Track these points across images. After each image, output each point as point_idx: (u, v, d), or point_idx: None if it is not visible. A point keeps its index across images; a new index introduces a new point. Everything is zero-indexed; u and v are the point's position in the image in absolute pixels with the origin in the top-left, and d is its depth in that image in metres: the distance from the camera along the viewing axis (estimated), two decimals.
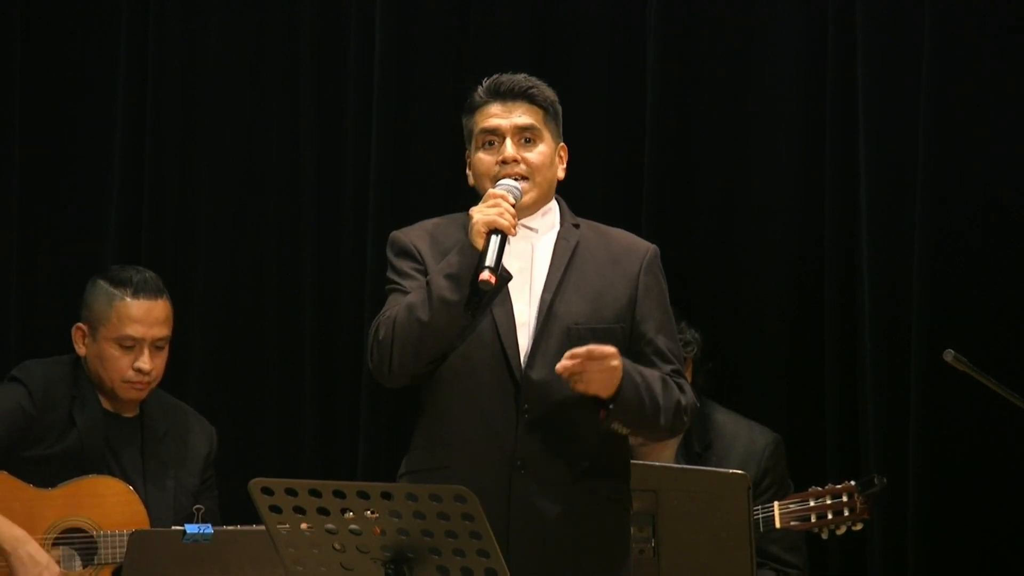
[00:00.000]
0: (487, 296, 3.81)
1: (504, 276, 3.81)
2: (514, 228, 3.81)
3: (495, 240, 3.78)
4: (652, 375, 3.88)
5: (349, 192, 5.98)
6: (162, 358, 4.91)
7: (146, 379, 4.87)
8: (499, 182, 3.90)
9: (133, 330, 4.85)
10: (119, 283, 4.90)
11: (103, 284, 4.92)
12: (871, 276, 5.45)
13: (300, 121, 6.04)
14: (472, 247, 3.80)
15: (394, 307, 3.89)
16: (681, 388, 3.93)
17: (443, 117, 5.90)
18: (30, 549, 4.67)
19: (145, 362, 4.85)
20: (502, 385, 3.86)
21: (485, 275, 3.75)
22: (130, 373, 4.85)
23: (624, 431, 3.89)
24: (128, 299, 4.87)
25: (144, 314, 4.86)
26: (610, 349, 3.78)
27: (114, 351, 4.85)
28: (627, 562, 3.97)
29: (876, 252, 5.45)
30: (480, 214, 3.81)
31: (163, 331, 4.90)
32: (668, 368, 3.95)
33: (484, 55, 5.87)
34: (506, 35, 5.89)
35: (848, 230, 5.53)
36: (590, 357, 3.76)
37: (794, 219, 5.67)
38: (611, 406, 3.81)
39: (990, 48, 5.41)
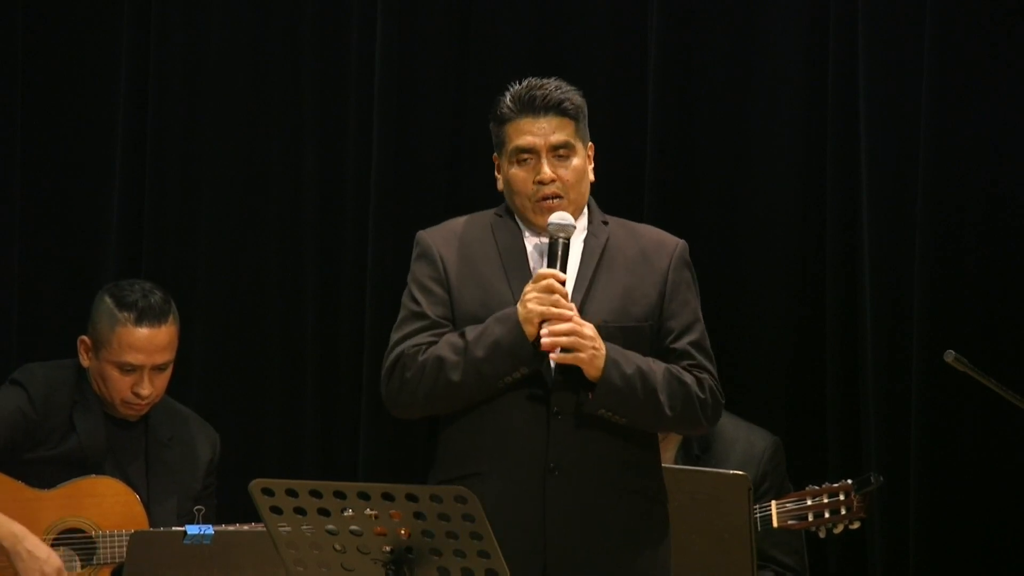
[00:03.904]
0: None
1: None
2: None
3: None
4: (653, 366, 3.87)
5: (351, 192, 5.97)
6: (164, 378, 4.88)
7: (144, 402, 4.85)
8: (552, 218, 3.88)
9: (134, 358, 4.81)
10: (124, 306, 4.83)
11: (109, 303, 4.86)
12: (872, 277, 5.45)
13: (301, 121, 6.03)
14: (522, 334, 3.79)
15: (421, 341, 3.88)
16: (700, 383, 3.91)
17: (444, 117, 5.91)
18: (28, 545, 4.66)
19: (144, 388, 4.82)
20: (532, 389, 3.85)
21: (546, 341, 3.81)
22: (129, 395, 4.83)
23: (619, 420, 3.86)
24: (131, 326, 4.81)
25: (146, 342, 4.82)
26: (590, 327, 3.80)
27: (115, 373, 4.82)
28: (667, 557, 3.95)
29: (877, 253, 5.45)
30: (534, 302, 3.80)
31: (165, 356, 4.86)
32: (687, 363, 3.93)
33: (485, 54, 5.87)
34: (507, 35, 5.88)
35: (849, 230, 5.53)
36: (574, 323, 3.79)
37: (795, 219, 5.67)
38: (595, 389, 3.81)
39: (990, 47, 5.40)
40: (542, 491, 3.82)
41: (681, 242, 4.06)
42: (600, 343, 3.81)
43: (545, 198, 3.91)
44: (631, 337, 3.89)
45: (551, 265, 3.86)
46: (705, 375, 3.93)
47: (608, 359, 3.81)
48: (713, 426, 4.05)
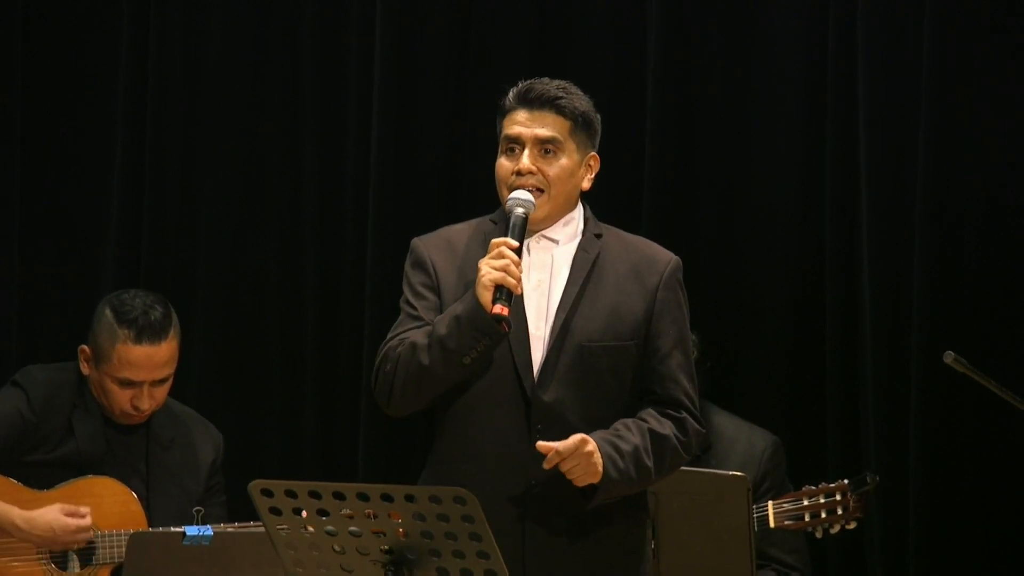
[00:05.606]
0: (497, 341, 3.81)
1: (508, 326, 3.81)
2: (519, 287, 3.80)
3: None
4: (635, 440, 3.81)
5: (350, 192, 5.97)
6: (164, 389, 4.88)
7: (144, 414, 4.85)
8: (512, 194, 3.87)
9: (133, 374, 4.80)
10: (124, 322, 4.80)
11: (109, 317, 4.83)
12: (872, 278, 5.45)
13: (301, 122, 6.03)
14: (477, 300, 3.77)
15: (404, 335, 3.88)
16: (681, 425, 3.88)
17: (444, 117, 5.90)
18: (37, 532, 4.68)
19: (144, 402, 4.81)
20: (514, 403, 3.84)
21: (498, 308, 3.75)
22: (129, 407, 4.83)
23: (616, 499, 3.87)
24: (130, 344, 4.79)
25: (145, 360, 4.80)
26: (574, 440, 3.73)
27: (114, 386, 4.82)
28: (644, 569, 3.94)
29: (877, 254, 5.45)
30: (487, 267, 3.78)
31: (165, 372, 4.85)
32: (675, 391, 3.89)
33: (485, 54, 5.87)
34: (507, 35, 5.88)
35: (849, 230, 5.53)
36: (560, 455, 3.73)
37: (795, 219, 5.67)
38: (596, 490, 3.78)
39: (990, 47, 5.40)
40: (523, 506, 3.80)
41: (674, 259, 3.99)
42: (593, 448, 3.74)
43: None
44: (615, 357, 3.86)
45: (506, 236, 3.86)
46: (684, 413, 3.89)
47: (604, 458, 3.76)
48: (695, 454, 4.03)
